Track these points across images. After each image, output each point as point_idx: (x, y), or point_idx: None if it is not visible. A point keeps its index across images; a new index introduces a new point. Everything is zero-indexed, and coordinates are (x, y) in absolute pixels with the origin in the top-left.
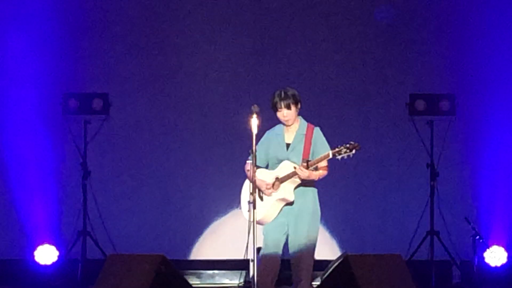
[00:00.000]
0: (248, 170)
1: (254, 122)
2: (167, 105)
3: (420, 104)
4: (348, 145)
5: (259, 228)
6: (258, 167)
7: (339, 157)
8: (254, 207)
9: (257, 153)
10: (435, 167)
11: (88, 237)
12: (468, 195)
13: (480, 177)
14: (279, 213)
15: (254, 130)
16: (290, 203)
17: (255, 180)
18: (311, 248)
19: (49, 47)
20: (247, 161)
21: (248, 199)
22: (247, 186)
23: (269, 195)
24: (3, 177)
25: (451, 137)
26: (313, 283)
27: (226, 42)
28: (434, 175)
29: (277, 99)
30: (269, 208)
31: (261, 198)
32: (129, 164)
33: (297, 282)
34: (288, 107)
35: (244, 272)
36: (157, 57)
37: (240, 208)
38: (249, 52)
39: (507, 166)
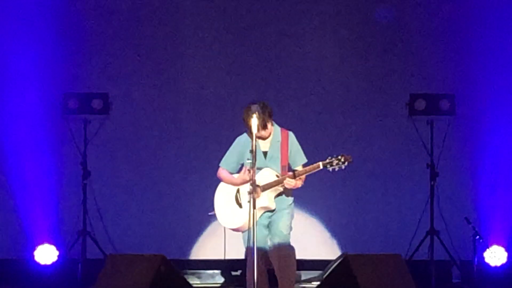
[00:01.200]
0: (223, 177)
1: (254, 122)
2: (167, 105)
3: (420, 104)
4: (340, 157)
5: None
6: (230, 173)
7: (330, 168)
8: (254, 207)
9: (228, 159)
10: (435, 167)
11: (88, 237)
12: (468, 195)
13: (480, 177)
14: (258, 219)
15: (254, 130)
16: (271, 211)
17: (254, 180)
18: (288, 248)
19: (49, 47)
20: (220, 166)
21: (218, 208)
22: (220, 192)
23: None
24: (3, 177)
25: (451, 137)
26: (313, 283)
27: (226, 42)
28: (434, 175)
29: (254, 121)
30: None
31: (240, 206)
32: (129, 164)
33: (282, 283)
34: (265, 127)
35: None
36: (157, 57)
37: (213, 213)
38: (250, 53)
39: (507, 166)
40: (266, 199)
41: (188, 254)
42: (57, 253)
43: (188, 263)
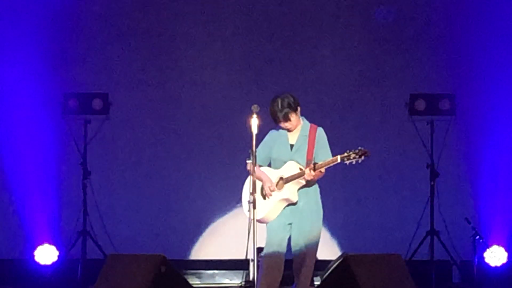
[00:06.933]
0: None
1: (254, 122)
2: (167, 105)
3: (420, 104)
4: (357, 151)
5: (261, 227)
6: (260, 166)
7: (347, 162)
8: (254, 207)
9: (259, 152)
10: (435, 167)
11: (88, 237)
12: (468, 195)
13: (480, 177)
14: (280, 212)
15: (254, 130)
16: (293, 204)
17: (254, 180)
18: (314, 247)
19: (49, 47)
20: (247, 161)
21: (248, 199)
22: (248, 183)
23: (270, 195)
24: (3, 177)
25: (451, 137)
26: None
27: (226, 42)
28: (434, 175)
29: (275, 111)
30: (271, 207)
31: (264, 197)
32: (129, 164)
33: (299, 282)
34: (287, 119)
35: (244, 272)
36: (157, 57)
37: (241, 205)
38: (250, 52)
39: (507, 166)
40: (288, 191)
41: (188, 254)
42: (57, 253)
43: (188, 263)
